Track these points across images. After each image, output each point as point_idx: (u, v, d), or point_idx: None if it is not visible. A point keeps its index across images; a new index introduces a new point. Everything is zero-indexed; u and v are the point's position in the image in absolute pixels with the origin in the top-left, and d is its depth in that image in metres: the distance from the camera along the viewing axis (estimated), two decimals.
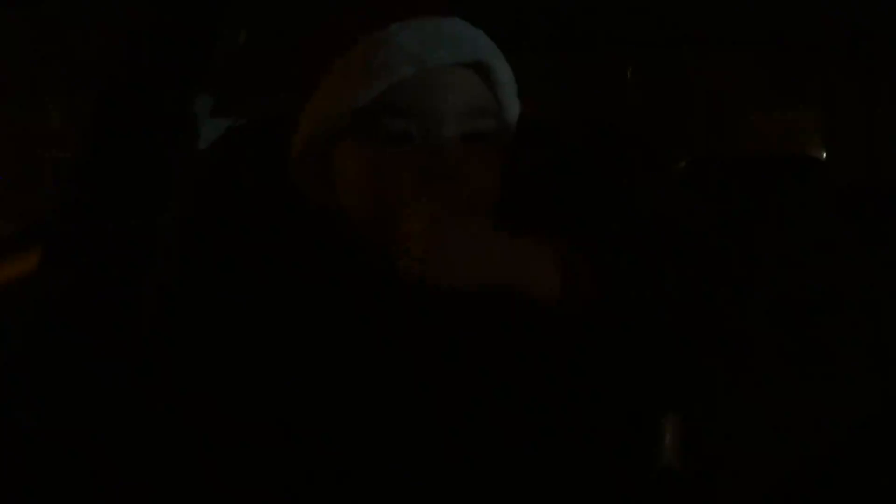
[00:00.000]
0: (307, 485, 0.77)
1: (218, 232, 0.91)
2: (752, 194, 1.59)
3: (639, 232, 0.94)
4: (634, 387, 0.88)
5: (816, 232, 1.52)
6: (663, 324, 0.90)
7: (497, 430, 0.79)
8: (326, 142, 0.82)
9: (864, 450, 1.07)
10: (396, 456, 0.78)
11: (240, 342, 0.80)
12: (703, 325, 0.93)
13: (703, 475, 1.05)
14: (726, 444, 1.28)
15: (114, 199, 0.78)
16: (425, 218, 0.75)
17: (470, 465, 0.78)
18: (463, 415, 0.79)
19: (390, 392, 0.79)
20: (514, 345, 0.82)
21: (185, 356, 0.80)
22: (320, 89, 0.82)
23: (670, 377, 0.92)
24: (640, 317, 0.84)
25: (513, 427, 0.80)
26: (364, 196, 0.80)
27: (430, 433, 0.79)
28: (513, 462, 0.79)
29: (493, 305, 0.83)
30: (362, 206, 0.80)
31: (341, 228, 0.83)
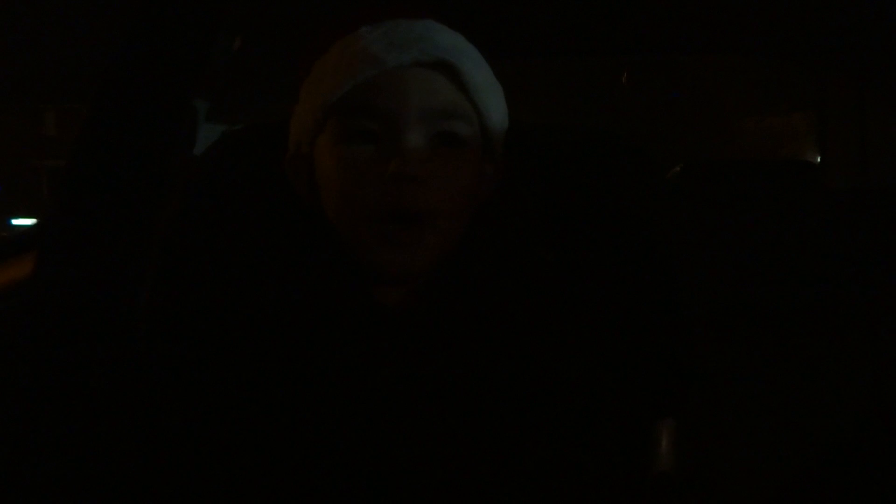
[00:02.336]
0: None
1: (212, 235, 0.92)
2: (746, 198, 1.59)
3: (630, 237, 0.95)
4: (628, 392, 0.88)
5: (811, 235, 1.52)
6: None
7: (490, 434, 0.79)
8: (308, 141, 0.84)
9: (858, 453, 1.07)
10: (385, 453, 0.78)
11: (229, 345, 0.80)
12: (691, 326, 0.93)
13: (698, 480, 1.05)
14: (721, 448, 1.28)
15: (109, 204, 0.78)
16: None
17: (463, 473, 0.78)
18: (453, 418, 0.79)
19: (373, 393, 0.79)
20: (503, 344, 0.82)
21: (177, 359, 0.80)
22: (302, 91, 0.85)
23: (663, 383, 0.93)
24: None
25: (506, 432, 0.80)
26: (336, 192, 0.81)
27: (418, 434, 0.79)
28: (507, 468, 0.79)
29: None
30: (335, 202, 0.82)
31: (326, 227, 0.83)
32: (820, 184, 1.65)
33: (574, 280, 0.89)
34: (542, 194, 0.96)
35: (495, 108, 0.85)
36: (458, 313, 0.83)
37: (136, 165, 0.78)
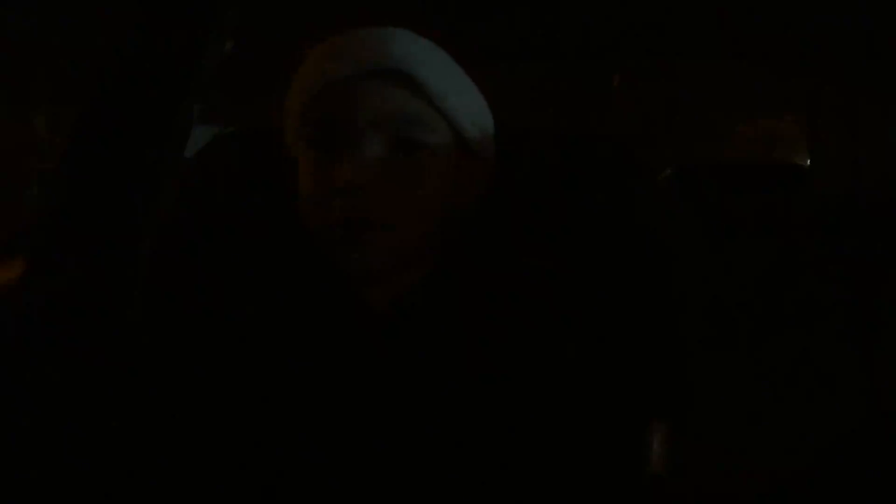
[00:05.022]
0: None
1: (203, 238, 0.92)
2: (736, 202, 1.60)
3: (624, 242, 0.95)
4: (621, 395, 0.88)
5: (800, 238, 1.52)
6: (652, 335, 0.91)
7: (479, 435, 0.79)
8: (292, 148, 0.86)
9: (851, 456, 1.08)
10: (373, 453, 0.78)
11: (217, 345, 0.81)
12: (687, 333, 0.93)
13: (690, 482, 1.05)
14: (714, 450, 1.28)
15: (100, 207, 0.78)
16: None
17: (453, 477, 0.78)
18: (440, 419, 0.80)
19: (359, 393, 0.80)
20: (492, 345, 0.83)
21: (168, 359, 0.81)
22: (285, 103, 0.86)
23: (656, 385, 0.93)
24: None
25: (495, 434, 0.80)
26: (301, 198, 0.83)
27: (406, 434, 0.79)
28: (497, 470, 0.79)
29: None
30: (301, 207, 0.83)
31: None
32: (810, 187, 1.66)
33: (565, 283, 0.89)
34: (532, 198, 0.96)
35: (467, 112, 0.84)
36: (444, 316, 0.83)
37: (127, 168, 0.78)
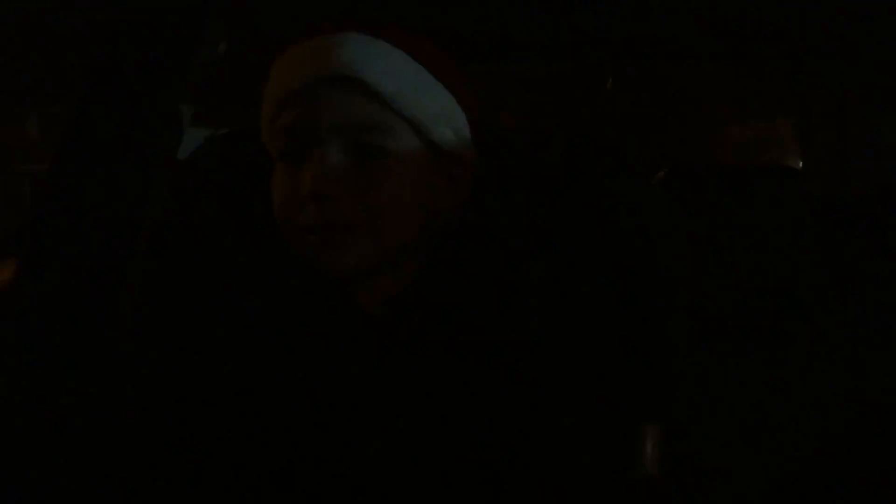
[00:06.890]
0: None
1: (195, 240, 0.92)
2: (729, 203, 1.60)
3: (616, 244, 0.95)
4: (614, 396, 0.88)
5: (792, 240, 1.53)
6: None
7: (470, 438, 0.80)
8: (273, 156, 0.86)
9: (842, 456, 1.08)
10: (364, 457, 0.79)
11: (210, 350, 0.81)
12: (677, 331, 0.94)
13: (683, 483, 1.06)
14: (706, 451, 1.28)
15: (92, 209, 0.78)
16: None
17: (448, 481, 0.79)
18: (432, 422, 0.80)
19: (352, 396, 0.80)
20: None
21: (160, 362, 0.81)
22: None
23: (650, 387, 0.93)
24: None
25: (487, 437, 0.80)
26: (276, 207, 0.83)
27: (397, 437, 0.79)
28: (494, 474, 0.80)
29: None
30: (278, 217, 0.83)
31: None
32: (802, 189, 1.66)
33: (556, 285, 0.89)
34: (525, 200, 0.96)
35: (431, 113, 0.83)
36: (435, 318, 0.83)
37: (120, 170, 0.78)
